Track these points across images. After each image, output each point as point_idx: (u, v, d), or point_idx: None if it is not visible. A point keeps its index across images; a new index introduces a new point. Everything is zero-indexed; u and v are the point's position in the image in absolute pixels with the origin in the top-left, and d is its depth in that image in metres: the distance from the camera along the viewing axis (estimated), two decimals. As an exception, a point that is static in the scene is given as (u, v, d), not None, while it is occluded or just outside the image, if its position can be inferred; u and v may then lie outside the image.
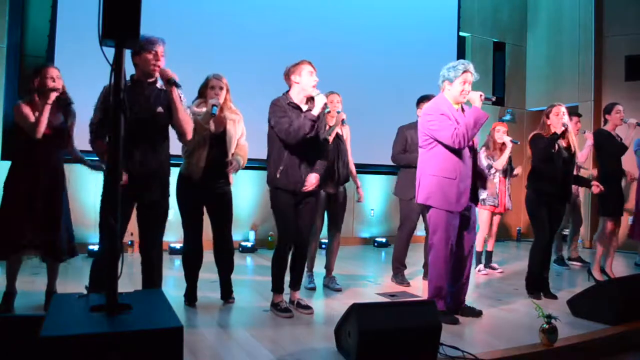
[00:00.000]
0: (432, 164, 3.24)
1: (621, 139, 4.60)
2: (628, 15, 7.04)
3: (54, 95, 3.03)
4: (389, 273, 4.50)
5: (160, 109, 2.87)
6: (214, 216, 3.49)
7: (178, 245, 5.41)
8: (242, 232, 6.11)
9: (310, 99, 3.25)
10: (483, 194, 5.01)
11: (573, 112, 5.77)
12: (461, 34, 7.71)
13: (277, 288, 3.32)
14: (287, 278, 3.42)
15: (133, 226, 3.01)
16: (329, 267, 4.19)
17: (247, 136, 3.61)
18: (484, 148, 5.07)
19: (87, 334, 1.68)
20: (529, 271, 4.00)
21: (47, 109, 3.02)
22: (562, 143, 3.91)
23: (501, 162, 4.96)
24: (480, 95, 3.18)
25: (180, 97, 2.86)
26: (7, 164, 3.25)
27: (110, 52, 1.94)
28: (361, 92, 6.52)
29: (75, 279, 3.87)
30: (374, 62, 6.80)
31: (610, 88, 7.18)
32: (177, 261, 5.07)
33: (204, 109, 3.27)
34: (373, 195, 6.88)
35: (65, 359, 1.60)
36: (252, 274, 4.88)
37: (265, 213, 6.20)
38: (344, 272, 4.65)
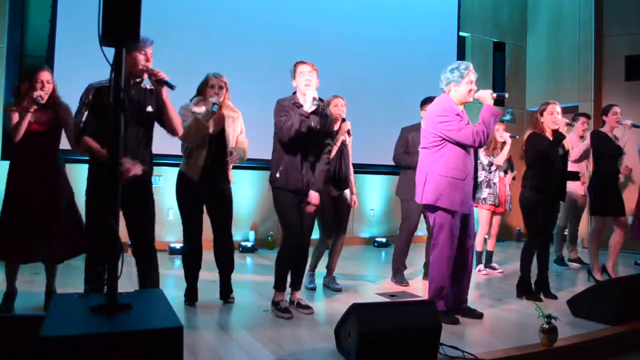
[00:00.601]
0: (440, 165, 3.21)
1: (618, 140, 4.61)
2: (628, 15, 7.04)
3: (34, 107, 3.06)
4: (389, 273, 4.50)
5: (149, 108, 2.86)
6: (214, 215, 3.49)
7: (178, 245, 5.41)
8: (242, 232, 6.11)
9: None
10: (483, 193, 5.02)
11: (582, 112, 5.77)
12: (461, 34, 7.71)
13: (279, 286, 3.31)
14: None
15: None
16: (330, 267, 4.19)
17: (247, 137, 3.61)
18: (484, 147, 5.07)
19: (87, 334, 1.68)
20: (521, 276, 3.97)
21: (28, 117, 3.06)
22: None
23: (502, 157, 4.98)
24: (491, 93, 3.20)
25: (168, 97, 2.85)
26: (6, 164, 3.26)
27: (110, 52, 1.94)
28: (361, 92, 6.53)
29: (75, 279, 3.87)
30: (374, 62, 6.80)
31: (610, 88, 7.18)
32: (177, 261, 5.07)
33: (203, 108, 3.27)
34: (373, 195, 6.88)
35: (65, 359, 1.60)
36: (252, 274, 4.88)
37: (265, 213, 6.20)
38: (344, 272, 4.65)
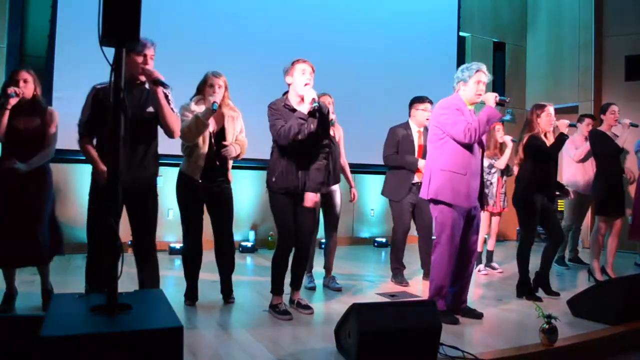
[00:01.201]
0: (443, 159, 3.23)
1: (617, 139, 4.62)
2: (628, 15, 7.04)
3: (11, 102, 3.03)
4: (389, 273, 4.50)
5: (150, 109, 2.86)
6: (214, 215, 3.49)
7: (178, 245, 5.41)
8: (242, 232, 6.11)
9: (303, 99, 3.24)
10: None
11: (587, 114, 5.76)
12: (461, 34, 7.71)
13: (276, 290, 3.31)
14: (287, 278, 3.42)
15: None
16: (328, 267, 4.19)
17: (247, 137, 3.61)
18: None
19: (87, 334, 1.68)
20: (520, 277, 3.96)
21: (6, 114, 3.04)
22: (548, 143, 3.93)
23: (503, 160, 4.97)
24: (495, 96, 3.21)
25: (167, 97, 2.85)
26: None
27: (110, 52, 1.94)
28: (361, 92, 6.53)
29: (75, 279, 3.87)
30: (374, 61, 6.80)
31: (610, 88, 7.18)
32: (177, 261, 5.07)
33: (203, 107, 3.27)
34: (373, 195, 6.88)
35: (65, 359, 1.60)
36: (252, 274, 4.88)
37: (265, 213, 6.20)
38: (344, 272, 4.65)
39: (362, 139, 6.02)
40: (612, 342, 3.09)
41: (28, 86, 3.16)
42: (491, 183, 5.02)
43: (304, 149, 3.19)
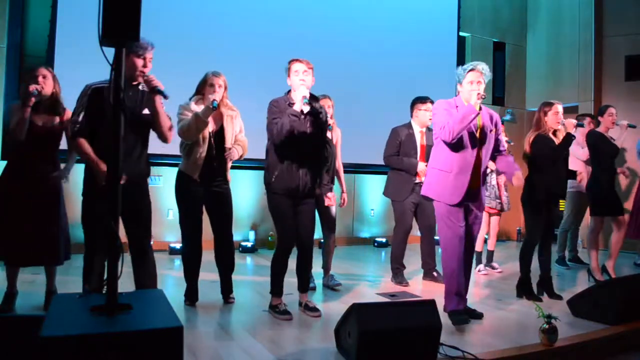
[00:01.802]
0: (434, 158, 3.37)
1: (614, 141, 4.62)
2: (628, 15, 7.04)
3: (32, 99, 3.01)
4: (389, 273, 4.50)
5: (146, 111, 2.87)
6: (213, 215, 3.49)
7: (178, 245, 5.41)
8: (242, 232, 6.11)
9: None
10: None
11: (586, 113, 5.76)
12: (461, 34, 7.71)
13: (275, 291, 3.31)
14: (293, 280, 3.41)
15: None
16: (326, 267, 4.18)
17: (246, 137, 3.61)
18: None
19: (87, 334, 1.68)
20: (520, 276, 3.98)
21: (27, 112, 3.02)
22: (556, 142, 3.92)
23: None
24: (477, 94, 3.18)
25: (161, 104, 2.87)
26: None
27: (110, 52, 1.94)
28: (361, 92, 6.53)
29: (75, 279, 3.86)
30: (374, 61, 6.80)
31: (610, 88, 7.18)
32: (177, 261, 5.07)
33: (202, 106, 3.27)
34: (373, 195, 6.88)
35: (65, 359, 1.60)
36: (252, 274, 4.88)
37: (265, 213, 6.18)
38: (344, 272, 4.65)
39: (362, 139, 6.03)
40: (612, 342, 3.09)
41: (47, 82, 3.16)
42: (492, 185, 5.01)
43: (302, 148, 3.19)
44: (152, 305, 2.06)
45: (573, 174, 4.45)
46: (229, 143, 3.46)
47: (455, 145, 3.20)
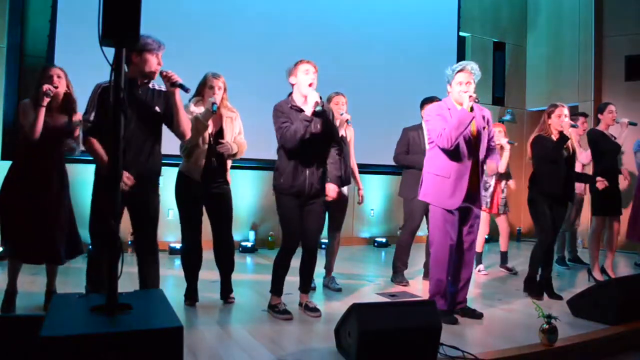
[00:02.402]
0: (431, 163, 3.34)
1: (615, 139, 4.61)
2: (628, 15, 7.04)
3: (46, 99, 3.01)
4: (389, 273, 4.50)
5: (157, 109, 2.87)
6: (213, 216, 3.49)
7: (178, 245, 5.40)
8: (242, 232, 6.11)
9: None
10: None
11: (580, 112, 5.76)
12: (461, 34, 7.71)
13: (276, 290, 3.31)
14: (293, 279, 3.41)
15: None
16: (328, 268, 4.18)
17: (246, 137, 3.61)
18: None
19: (87, 334, 1.68)
20: (529, 272, 4.01)
21: (42, 111, 3.01)
22: None
23: (502, 164, 4.92)
24: (470, 96, 3.17)
25: (180, 99, 2.87)
26: (7, 164, 3.25)
27: (110, 52, 1.94)
28: (361, 92, 6.51)
29: (75, 279, 3.87)
30: (374, 61, 6.79)
31: (610, 88, 7.18)
32: (177, 261, 5.07)
33: (202, 108, 3.27)
34: (373, 195, 6.88)
35: (65, 359, 1.60)
36: (252, 274, 4.88)
37: (265, 213, 6.20)
38: (344, 272, 4.65)
39: (361, 139, 5.97)
40: (612, 342, 3.09)
41: (62, 82, 3.16)
42: (490, 185, 5.01)
43: (311, 150, 3.19)
44: (152, 305, 2.06)
45: (588, 178, 4.38)
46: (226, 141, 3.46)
47: (452, 151, 3.19)
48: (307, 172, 3.21)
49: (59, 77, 3.14)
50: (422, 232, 4.61)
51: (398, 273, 4.40)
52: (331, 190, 3.31)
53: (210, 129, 3.35)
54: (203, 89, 3.41)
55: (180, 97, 2.83)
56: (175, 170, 3.51)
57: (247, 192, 6.15)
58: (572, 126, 3.90)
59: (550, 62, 7.86)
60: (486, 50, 7.94)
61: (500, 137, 4.95)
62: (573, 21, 7.51)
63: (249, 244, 6.01)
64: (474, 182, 3.28)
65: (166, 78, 2.78)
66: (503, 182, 5.10)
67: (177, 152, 3.51)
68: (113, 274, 1.91)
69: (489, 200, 4.99)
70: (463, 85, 3.22)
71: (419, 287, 4.27)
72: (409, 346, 2.47)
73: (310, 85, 3.15)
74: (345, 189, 4.13)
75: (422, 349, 2.50)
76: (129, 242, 5.32)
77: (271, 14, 6.26)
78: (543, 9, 8.05)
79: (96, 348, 1.64)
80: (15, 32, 5.27)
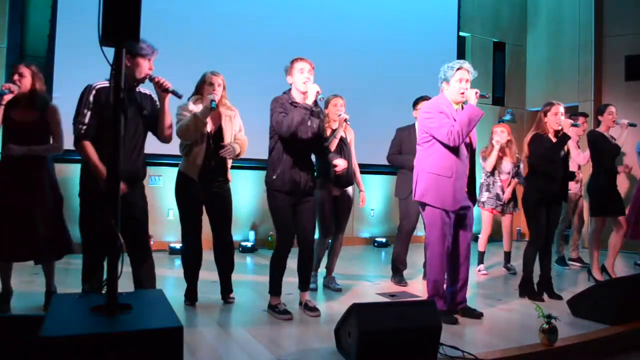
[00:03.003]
0: (429, 162, 3.26)
1: (615, 140, 4.61)
2: (628, 15, 7.04)
3: (5, 98, 3.04)
4: (389, 273, 4.50)
5: (145, 112, 2.87)
6: (213, 215, 3.49)
7: (178, 245, 5.40)
8: (242, 232, 6.11)
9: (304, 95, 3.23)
10: (483, 197, 5.02)
11: (580, 112, 5.76)
12: (461, 34, 7.71)
13: (274, 290, 3.31)
14: (293, 280, 3.41)
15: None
16: (329, 268, 4.18)
17: (245, 135, 3.61)
18: (481, 150, 5.06)
19: (87, 334, 1.68)
20: (524, 275, 3.99)
21: (1, 110, 3.05)
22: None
23: (489, 163, 4.95)
24: (476, 93, 3.18)
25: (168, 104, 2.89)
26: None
27: (110, 52, 1.94)
28: (361, 92, 6.52)
29: (75, 279, 3.86)
30: (374, 62, 6.80)
31: (610, 88, 7.18)
32: (177, 261, 5.07)
33: (201, 106, 3.27)
34: (373, 195, 6.88)
35: (65, 359, 1.60)
36: (252, 274, 4.88)
37: (265, 213, 6.17)
38: (344, 272, 4.65)
39: (361, 139, 5.96)
40: (612, 342, 3.09)
41: (24, 80, 3.17)
42: (494, 186, 5.01)
43: (304, 146, 3.20)
44: (152, 305, 2.06)
45: (570, 175, 4.41)
46: (227, 142, 3.45)
47: (454, 149, 3.18)
48: (300, 169, 3.21)
49: (21, 75, 3.16)
50: (421, 232, 4.60)
51: (397, 273, 4.40)
52: (341, 163, 3.22)
53: (209, 128, 3.35)
54: (202, 87, 3.40)
55: (169, 103, 2.85)
56: (175, 170, 3.51)
57: (247, 192, 6.15)
58: (573, 125, 3.89)
59: (550, 62, 7.86)
60: (486, 50, 7.94)
61: (503, 137, 4.96)
62: (573, 21, 7.52)
63: (249, 244, 6.01)
64: (470, 182, 3.32)
65: (157, 84, 2.78)
66: (513, 181, 5.07)
67: (177, 151, 3.51)
68: (113, 274, 1.91)
69: (494, 200, 4.99)
70: (463, 82, 3.22)
71: (418, 287, 4.27)
72: (409, 346, 2.47)
73: (305, 83, 3.17)
74: (349, 190, 4.13)
75: (422, 349, 2.50)
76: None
77: (271, 13, 6.27)
78: (543, 9, 8.05)
79: (96, 348, 1.64)
80: (15, 32, 5.27)
